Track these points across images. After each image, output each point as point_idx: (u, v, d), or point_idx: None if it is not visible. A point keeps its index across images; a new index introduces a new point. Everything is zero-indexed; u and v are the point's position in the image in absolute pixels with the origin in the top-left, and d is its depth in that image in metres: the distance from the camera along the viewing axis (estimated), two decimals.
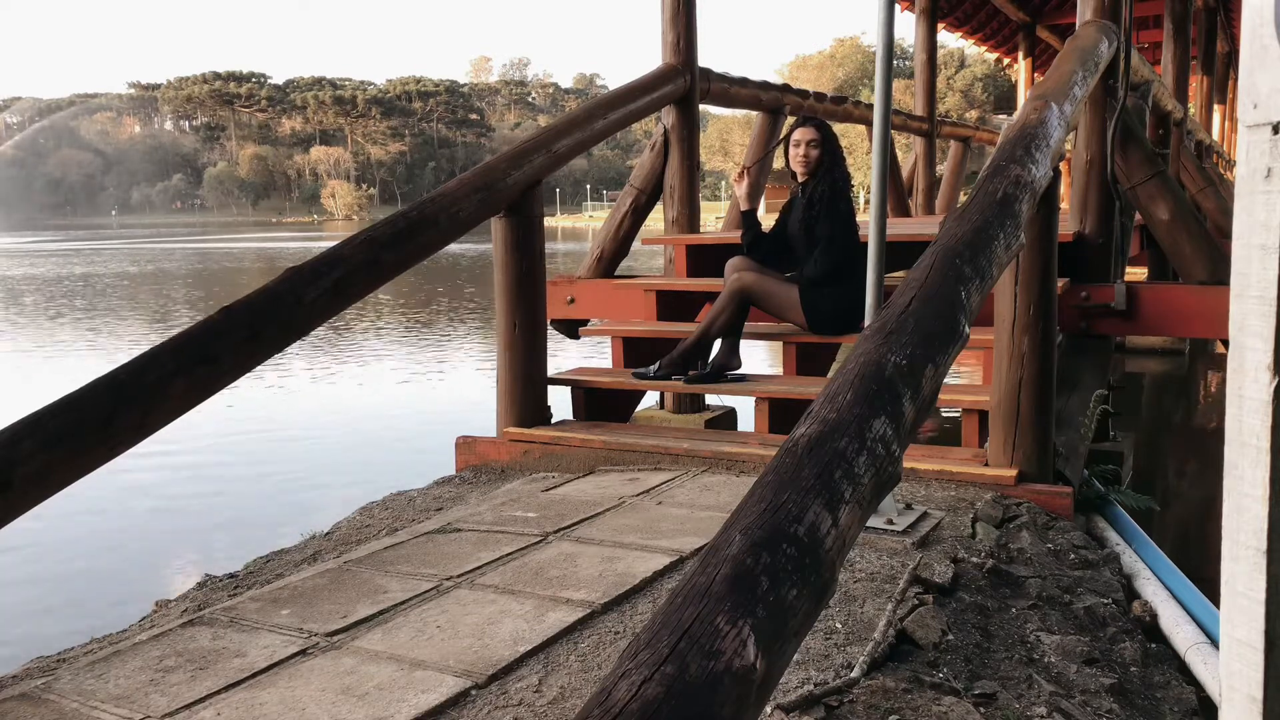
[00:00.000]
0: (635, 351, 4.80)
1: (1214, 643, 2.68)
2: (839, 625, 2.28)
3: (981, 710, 1.96)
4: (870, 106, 3.95)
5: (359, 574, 2.82)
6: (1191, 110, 11.79)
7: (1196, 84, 13.60)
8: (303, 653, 2.29)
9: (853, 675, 2.04)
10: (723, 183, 67.95)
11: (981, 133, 12.53)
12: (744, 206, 4.51)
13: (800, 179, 4.25)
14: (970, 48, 18.13)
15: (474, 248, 28.64)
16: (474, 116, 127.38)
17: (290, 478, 6.32)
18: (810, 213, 4.19)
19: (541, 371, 4.28)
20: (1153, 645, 2.66)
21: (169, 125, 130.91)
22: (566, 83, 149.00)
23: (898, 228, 5.16)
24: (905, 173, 9.73)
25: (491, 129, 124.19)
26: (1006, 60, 15.87)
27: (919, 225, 6.39)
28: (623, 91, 5.01)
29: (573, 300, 5.44)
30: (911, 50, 11.96)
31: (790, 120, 5.47)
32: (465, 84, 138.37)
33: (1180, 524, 4.95)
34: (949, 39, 13.98)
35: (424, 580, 2.72)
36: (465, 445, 4.23)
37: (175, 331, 2.71)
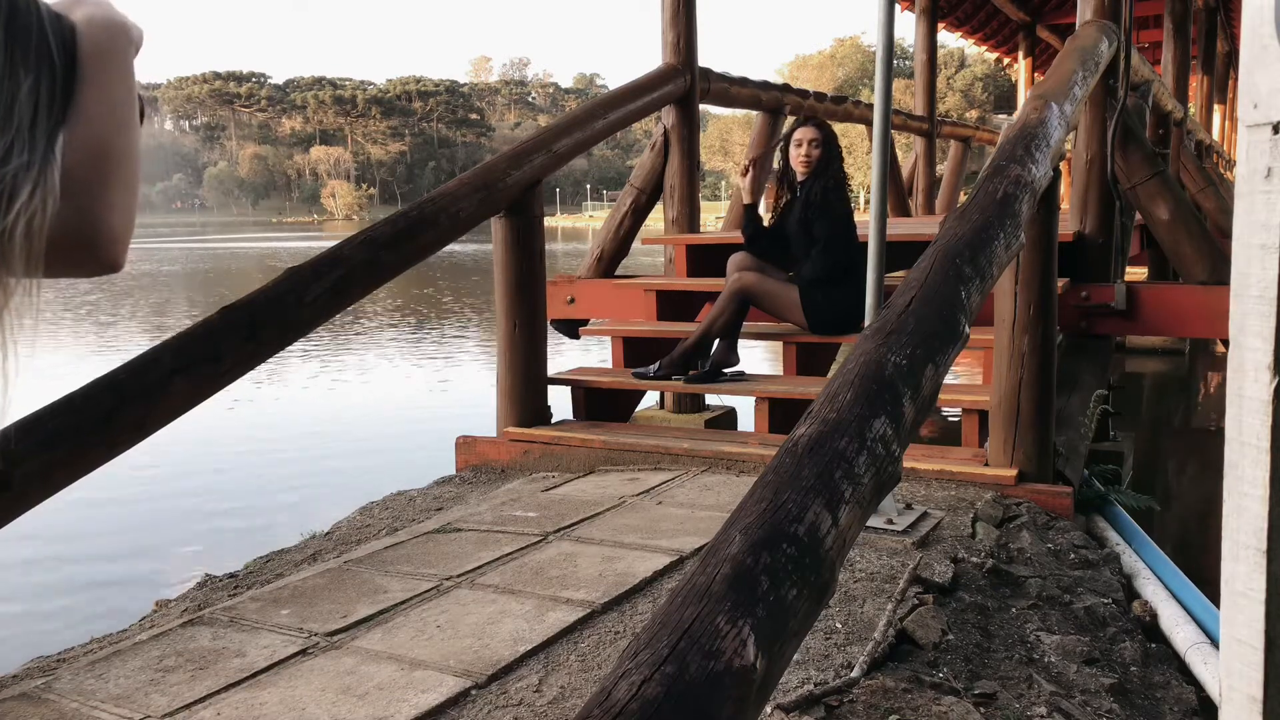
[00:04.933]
0: (635, 351, 4.80)
1: (1214, 643, 2.68)
2: (839, 625, 2.28)
3: (981, 710, 1.96)
4: (870, 106, 3.96)
5: (359, 574, 2.82)
6: (1191, 110, 11.79)
7: (1196, 84, 13.60)
8: (303, 652, 2.29)
9: (853, 675, 2.04)
10: (723, 183, 67.97)
11: (981, 133, 12.53)
12: (747, 200, 4.52)
13: (800, 177, 4.26)
14: (970, 48, 18.12)
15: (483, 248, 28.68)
16: (474, 116, 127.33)
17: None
18: (808, 212, 4.20)
19: (541, 371, 4.28)
20: (1153, 645, 2.66)
21: (169, 125, 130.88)
22: (566, 83, 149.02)
23: (898, 228, 5.16)
24: (905, 173, 9.72)
25: (491, 129, 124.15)
26: (1006, 60, 15.87)
27: (919, 225, 6.39)
28: (623, 91, 5.01)
29: (573, 300, 5.43)
30: (911, 50, 11.96)
31: (790, 120, 5.47)
32: (465, 84, 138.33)
33: (1180, 524, 4.94)
34: (949, 39, 13.99)
35: (424, 580, 2.72)
36: (465, 445, 4.23)
37: None
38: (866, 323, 2.94)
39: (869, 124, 5.65)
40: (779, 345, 4.92)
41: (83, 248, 0.66)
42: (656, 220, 6.17)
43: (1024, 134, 2.85)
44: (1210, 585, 2.83)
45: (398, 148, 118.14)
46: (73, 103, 0.65)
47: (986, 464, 3.40)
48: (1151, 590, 3.03)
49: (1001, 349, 3.34)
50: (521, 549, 2.93)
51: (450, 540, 3.08)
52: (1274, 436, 1.03)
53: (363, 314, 15.08)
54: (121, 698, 2.11)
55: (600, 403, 4.52)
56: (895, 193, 8.63)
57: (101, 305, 17.47)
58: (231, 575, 3.15)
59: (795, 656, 1.79)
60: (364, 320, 14.65)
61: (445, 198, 3.68)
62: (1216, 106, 15.77)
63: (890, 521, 2.88)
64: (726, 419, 5.20)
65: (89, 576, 4.59)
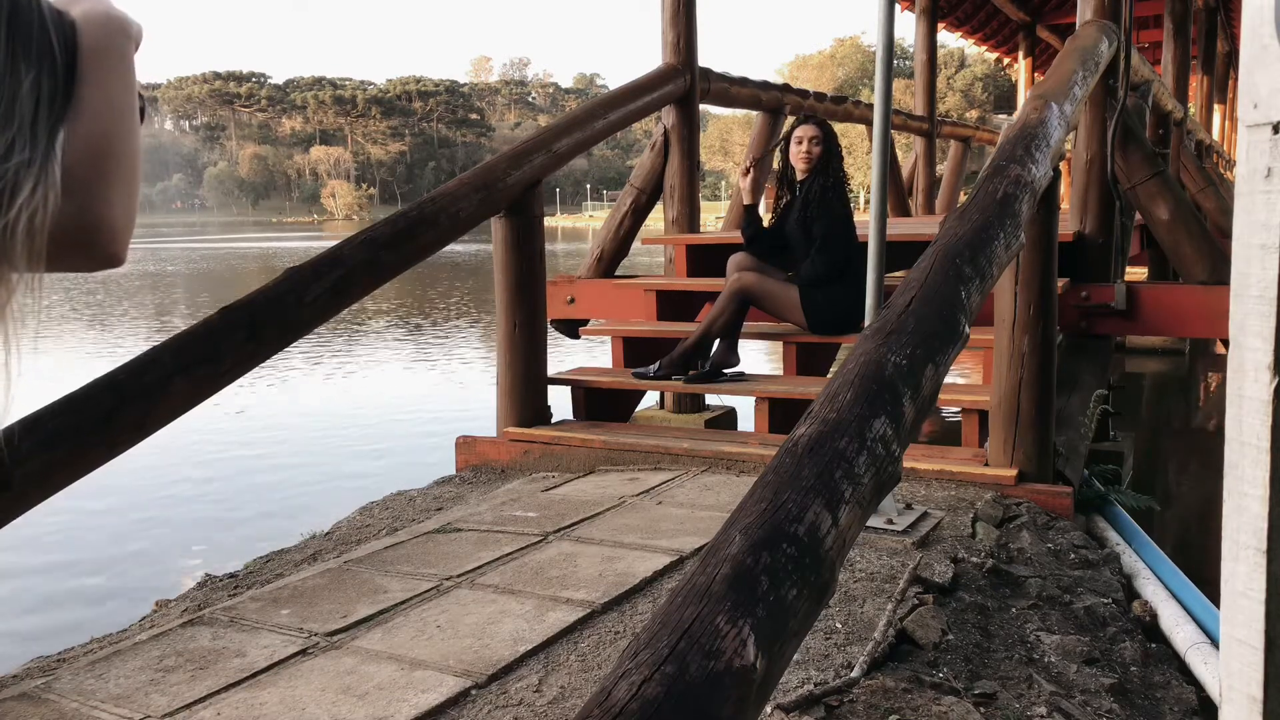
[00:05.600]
0: (635, 351, 4.80)
1: (1214, 643, 2.68)
2: (839, 625, 2.28)
3: (981, 710, 1.96)
4: (870, 106, 3.96)
5: (359, 574, 2.82)
6: (1191, 110, 11.79)
7: (1196, 84, 13.60)
8: (303, 652, 2.29)
9: (853, 675, 2.04)
10: (723, 183, 67.97)
11: (981, 133, 12.53)
12: (747, 200, 4.54)
13: (800, 176, 4.26)
14: (970, 48, 18.12)
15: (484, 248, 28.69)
16: (474, 116, 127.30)
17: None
18: (807, 211, 4.20)
19: (541, 371, 4.28)
20: (1153, 645, 2.66)
21: (169, 125, 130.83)
22: (566, 83, 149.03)
23: (898, 228, 5.17)
24: (905, 173, 9.73)
25: (491, 129, 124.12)
26: (1006, 60, 15.87)
27: (919, 225, 6.39)
28: (623, 91, 5.01)
29: (573, 300, 5.44)
30: (911, 50, 11.96)
31: (790, 120, 5.48)
32: (465, 84, 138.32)
33: (1180, 524, 4.94)
34: (949, 39, 14.00)
35: (424, 580, 2.72)
36: (465, 445, 4.23)
37: None
38: (866, 323, 2.94)
39: (869, 124, 5.65)
40: (779, 345, 4.92)
41: (84, 243, 0.66)
42: (656, 220, 6.17)
43: (1024, 134, 2.85)
44: (1210, 585, 2.83)
45: (398, 148, 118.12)
46: (73, 99, 0.65)
47: (986, 464, 3.40)
48: (1151, 590, 3.03)
49: (1001, 349, 3.33)
50: (521, 549, 2.93)
51: (450, 540, 3.08)
52: (1274, 436, 1.03)
53: (363, 313, 15.09)
54: (121, 698, 2.11)
55: (600, 403, 4.52)
56: (895, 193, 8.63)
57: (106, 306, 17.47)
58: (231, 575, 3.14)
59: (795, 656, 1.79)
60: (365, 317, 14.65)
61: (445, 198, 3.68)
62: (1216, 106, 15.77)
63: (890, 521, 2.88)
64: (726, 419, 5.20)
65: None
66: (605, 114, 4.70)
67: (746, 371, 4.37)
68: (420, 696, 2.03)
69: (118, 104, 0.67)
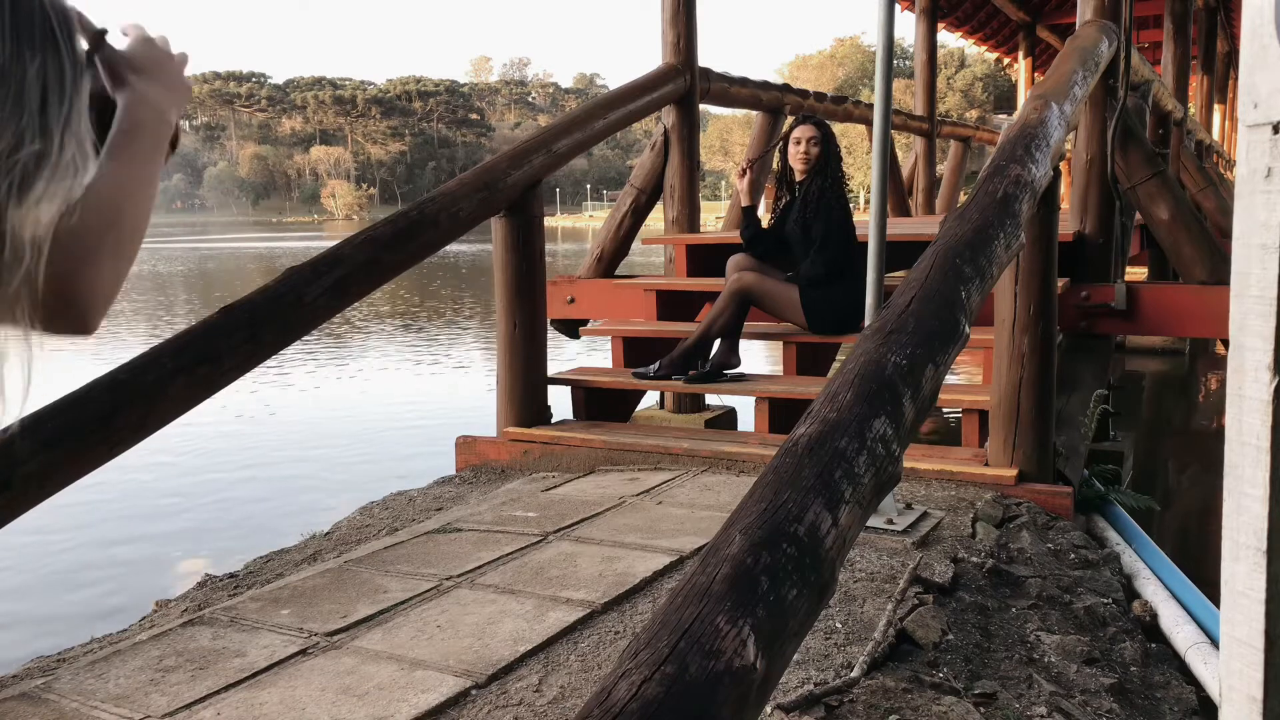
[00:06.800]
0: (635, 351, 4.80)
1: (1214, 643, 2.68)
2: (839, 625, 2.28)
3: (981, 710, 1.96)
4: (870, 106, 3.96)
5: (359, 574, 2.82)
6: (1191, 110, 11.79)
7: (1196, 84, 13.60)
8: (303, 652, 2.29)
9: (853, 675, 2.04)
10: (723, 183, 67.97)
11: (981, 133, 12.53)
12: (745, 202, 4.54)
13: (799, 176, 4.27)
14: (970, 48, 18.14)
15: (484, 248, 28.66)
16: (474, 116, 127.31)
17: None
18: (806, 212, 4.20)
19: (541, 371, 4.28)
20: (1153, 645, 2.66)
21: None
22: (566, 83, 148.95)
23: (898, 228, 5.16)
24: (905, 173, 9.73)
25: (491, 129, 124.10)
26: (1006, 60, 15.88)
27: (919, 225, 6.39)
28: (623, 91, 5.02)
29: (573, 300, 5.44)
30: (911, 50, 11.97)
31: (790, 120, 5.49)
32: (465, 84, 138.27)
33: (1180, 524, 4.94)
34: (949, 39, 14.02)
35: (424, 580, 2.72)
36: (465, 445, 4.23)
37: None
38: (866, 323, 2.94)
39: (869, 124, 5.65)
40: (779, 345, 4.92)
41: (59, 307, 0.66)
42: (656, 220, 6.17)
43: (1024, 134, 2.85)
44: (1210, 585, 2.83)
45: (398, 148, 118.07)
46: (101, 165, 0.66)
47: (986, 464, 3.40)
48: (1151, 590, 3.03)
49: (1001, 349, 3.34)
50: (521, 549, 2.93)
51: (450, 540, 3.08)
52: (1274, 436, 1.03)
53: (363, 312, 15.09)
54: (121, 698, 2.11)
55: (600, 403, 4.52)
56: (895, 193, 8.63)
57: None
58: (231, 575, 3.15)
59: (795, 656, 1.79)
60: (362, 315, 14.66)
61: (445, 198, 3.68)
62: (1216, 106, 15.78)
63: (890, 521, 2.88)
64: (726, 419, 5.20)
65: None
66: (605, 114, 4.70)
67: (746, 372, 4.37)
68: (420, 696, 2.03)
69: (136, 183, 0.70)
